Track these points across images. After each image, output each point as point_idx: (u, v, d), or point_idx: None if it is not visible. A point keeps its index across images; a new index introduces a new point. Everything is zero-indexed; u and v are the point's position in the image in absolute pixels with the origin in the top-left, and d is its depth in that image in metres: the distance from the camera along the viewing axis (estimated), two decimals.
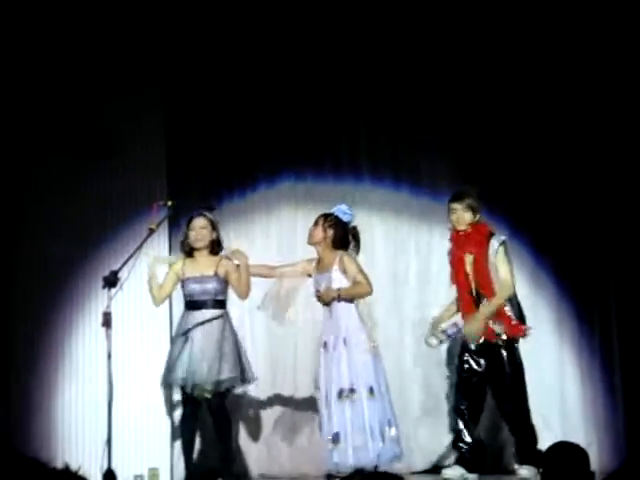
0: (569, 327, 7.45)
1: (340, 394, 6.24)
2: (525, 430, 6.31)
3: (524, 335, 6.33)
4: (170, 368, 6.30)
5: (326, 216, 6.51)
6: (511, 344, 6.31)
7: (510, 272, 6.34)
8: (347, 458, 6.18)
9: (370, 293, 6.39)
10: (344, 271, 6.36)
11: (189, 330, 6.29)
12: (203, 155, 7.56)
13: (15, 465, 2.47)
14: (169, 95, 7.47)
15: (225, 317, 6.37)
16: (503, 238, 6.42)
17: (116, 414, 5.91)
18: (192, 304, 6.38)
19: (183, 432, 6.51)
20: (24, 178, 7.07)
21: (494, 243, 6.35)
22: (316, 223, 6.50)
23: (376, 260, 7.46)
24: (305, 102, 7.56)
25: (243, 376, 6.32)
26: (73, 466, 2.54)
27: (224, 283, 6.40)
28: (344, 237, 6.49)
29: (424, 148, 7.64)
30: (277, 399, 7.39)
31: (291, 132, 7.57)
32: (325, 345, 6.39)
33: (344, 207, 6.58)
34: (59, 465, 2.52)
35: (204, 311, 6.33)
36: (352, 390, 6.24)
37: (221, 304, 6.40)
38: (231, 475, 6.47)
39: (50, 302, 7.03)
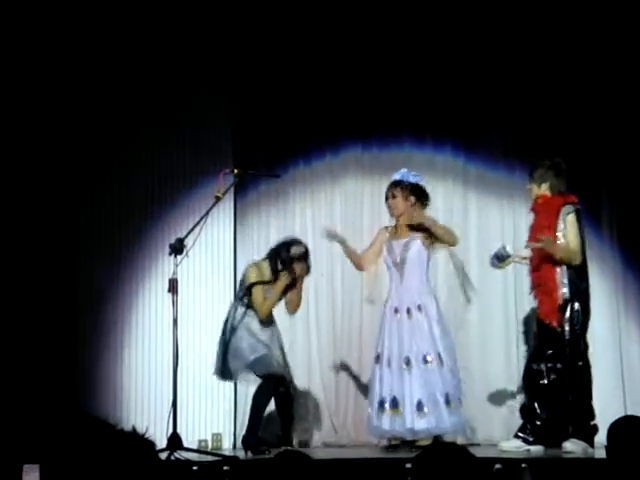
0: (633, 296, 7.32)
1: (404, 361, 6.21)
2: (583, 412, 6.17)
3: (555, 326, 6.11)
4: (268, 361, 6.42)
5: (401, 187, 6.45)
6: (576, 338, 6.12)
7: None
8: (408, 425, 6.14)
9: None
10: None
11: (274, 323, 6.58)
12: (269, 124, 7.57)
13: (86, 424, 2.52)
14: (236, 63, 7.50)
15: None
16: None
17: (181, 380, 5.99)
18: None
19: (261, 403, 6.47)
20: (93, 146, 7.14)
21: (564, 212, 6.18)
22: (394, 196, 6.43)
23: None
24: (372, 70, 7.50)
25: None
26: (140, 429, 2.58)
27: None
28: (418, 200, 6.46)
29: (485, 115, 7.53)
30: (342, 368, 7.41)
31: (356, 101, 7.54)
32: (396, 311, 6.37)
33: (406, 171, 6.53)
34: (126, 428, 2.56)
35: None
36: (414, 358, 6.20)
37: None
38: (291, 443, 6.67)
39: (117, 269, 7.12)
